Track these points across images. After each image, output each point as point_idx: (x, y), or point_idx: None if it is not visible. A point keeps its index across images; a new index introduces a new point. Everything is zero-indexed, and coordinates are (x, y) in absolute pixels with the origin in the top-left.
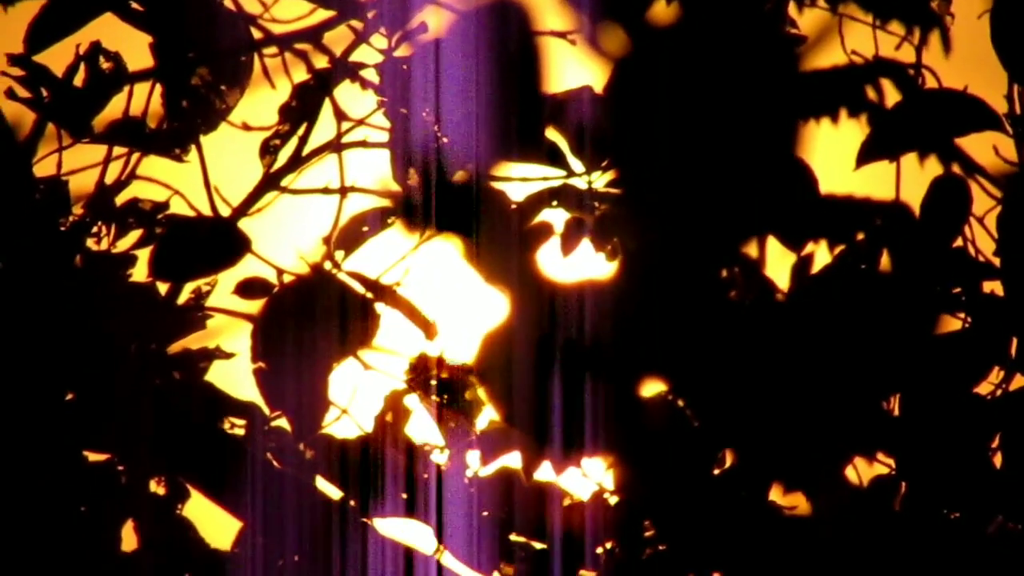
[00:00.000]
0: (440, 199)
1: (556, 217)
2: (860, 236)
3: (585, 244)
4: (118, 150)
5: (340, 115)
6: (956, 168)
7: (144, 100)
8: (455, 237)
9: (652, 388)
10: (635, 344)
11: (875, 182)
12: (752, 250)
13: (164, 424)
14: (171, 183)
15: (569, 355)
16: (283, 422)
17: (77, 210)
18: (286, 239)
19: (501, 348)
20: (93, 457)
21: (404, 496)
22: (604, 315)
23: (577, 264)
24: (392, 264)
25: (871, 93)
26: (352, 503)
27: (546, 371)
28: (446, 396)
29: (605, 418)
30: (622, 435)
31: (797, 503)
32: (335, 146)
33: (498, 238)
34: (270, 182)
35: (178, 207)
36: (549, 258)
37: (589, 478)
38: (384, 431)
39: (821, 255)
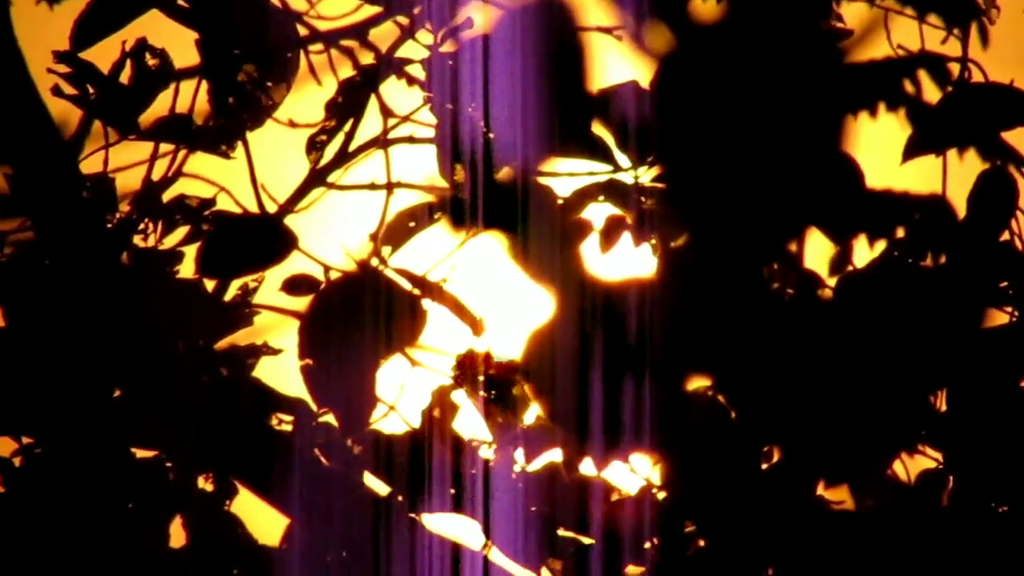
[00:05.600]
0: (486, 195)
1: (597, 214)
2: (901, 231)
3: (626, 240)
4: (165, 147)
5: (386, 111)
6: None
7: (190, 97)
8: (501, 233)
9: (696, 384)
10: (679, 340)
11: (920, 177)
12: (793, 245)
13: (212, 420)
14: (217, 180)
15: (613, 352)
16: (330, 418)
17: (124, 207)
18: (332, 236)
19: (546, 345)
20: (141, 454)
21: (452, 492)
22: (648, 311)
23: (621, 261)
24: (439, 260)
25: (911, 87)
26: (400, 499)
27: (590, 368)
28: (493, 392)
29: (649, 414)
30: (666, 431)
31: (843, 498)
32: (381, 142)
33: (543, 234)
34: (316, 178)
35: (225, 204)
36: (594, 255)
37: (637, 474)
38: (432, 427)
39: (860, 250)
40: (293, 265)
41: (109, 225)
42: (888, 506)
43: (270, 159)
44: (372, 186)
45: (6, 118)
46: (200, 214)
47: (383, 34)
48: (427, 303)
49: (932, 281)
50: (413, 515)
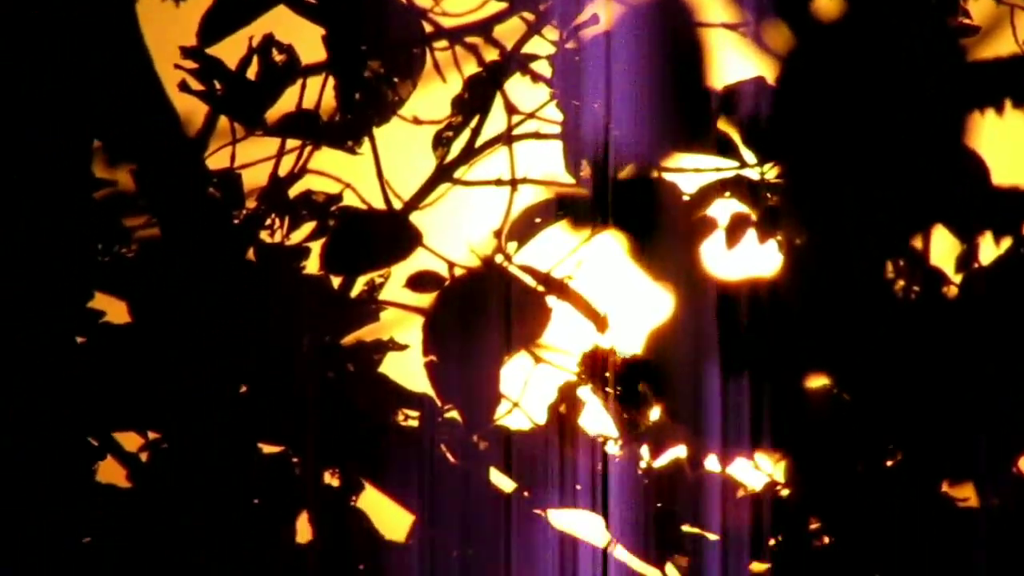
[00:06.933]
0: (612, 192)
1: (721, 211)
2: None
3: (750, 237)
4: (291, 143)
5: (511, 108)
6: None
7: (317, 93)
8: (625, 230)
9: (818, 382)
10: (801, 338)
11: None
12: (918, 242)
13: (337, 416)
14: (343, 176)
15: (735, 349)
16: (455, 414)
17: (250, 203)
18: (457, 232)
19: (668, 342)
20: (267, 449)
21: (576, 488)
22: (770, 309)
23: (743, 259)
24: (563, 257)
25: None
26: (524, 495)
27: (712, 365)
28: (618, 389)
29: (772, 412)
30: (788, 429)
31: (968, 496)
32: (506, 139)
33: (667, 231)
34: (442, 175)
35: (351, 200)
36: (716, 252)
37: (761, 471)
38: (557, 423)
39: (986, 247)
40: (418, 261)
41: (235, 221)
42: (1013, 504)
43: (396, 155)
44: (497, 182)
45: (133, 115)
46: (326, 210)
47: (508, 31)
48: (551, 300)
49: None
50: (538, 511)
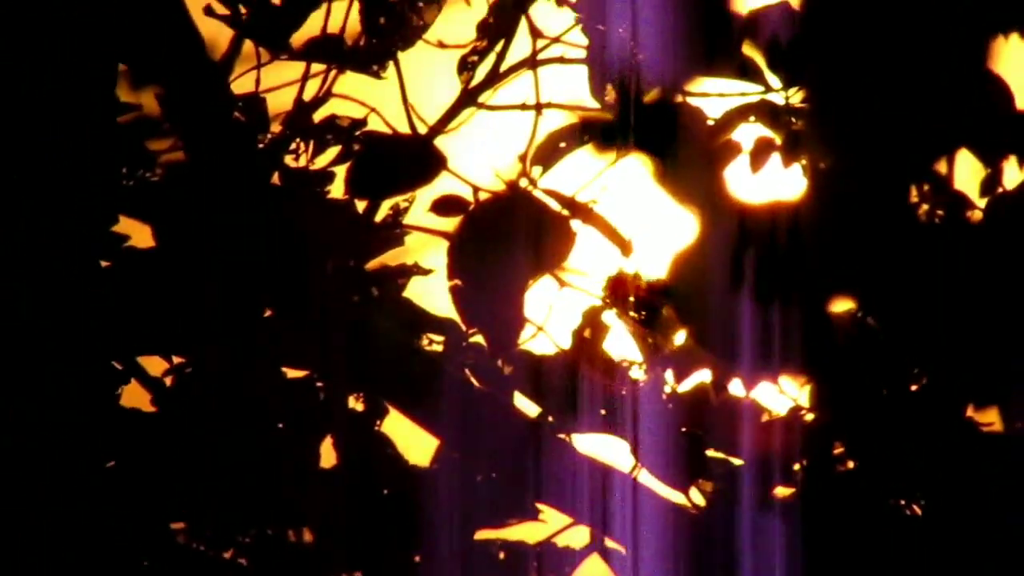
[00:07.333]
0: (637, 116)
1: (745, 135)
2: None
3: (775, 161)
4: (316, 67)
5: (536, 32)
6: None
7: (342, 17)
8: (650, 154)
9: (843, 306)
10: (826, 262)
11: None
12: (943, 166)
13: (362, 341)
14: (368, 100)
15: (760, 273)
16: (480, 339)
17: (275, 127)
18: (482, 156)
19: (694, 267)
20: (292, 373)
21: (601, 412)
22: (794, 233)
23: (768, 183)
24: (588, 181)
25: None
26: (549, 419)
27: (737, 290)
28: (643, 313)
29: (796, 336)
30: (813, 353)
31: (992, 420)
32: (531, 63)
33: (692, 155)
34: (467, 99)
35: (375, 124)
36: (742, 176)
37: (786, 395)
38: (582, 347)
39: (1011, 171)
40: (443, 186)
41: (260, 145)
42: None
43: (420, 80)
44: (522, 107)
45: (157, 39)
46: (351, 134)
47: None
48: (576, 224)
49: None
50: (563, 436)
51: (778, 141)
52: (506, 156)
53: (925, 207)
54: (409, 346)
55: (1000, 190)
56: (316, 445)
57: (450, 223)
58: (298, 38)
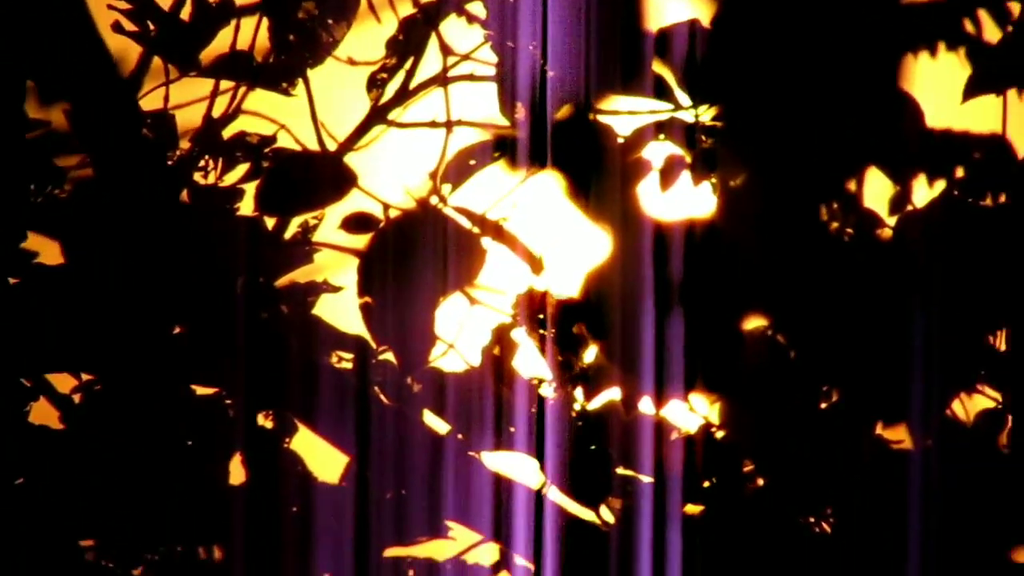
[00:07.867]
0: (548, 133)
1: (656, 153)
2: (961, 170)
3: (685, 179)
4: (225, 84)
5: (446, 49)
6: None
7: (251, 34)
8: (560, 172)
9: (754, 324)
10: (737, 280)
11: (980, 117)
12: (852, 184)
13: (271, 358)
14: (278, 117)
15: (671, 291)
16: (390, 356)
17: (184, 144)
18: (392, 174)
19: (604, 284)
20: (201, 391)
21: (511, 430)
22: (706, 251)
23: (679, 200)
24: (498, 199)
25: (971, 27)
26: (459, 437)
27: (648, 307)
28: (553, 331)
29: (707, 354)
30: (723, 371)
31: (902, 438)
32: (441, 80)
33: (602, 173)
34: (376, 116)
35: (285, 141)
36: (652, 194)
37: (695, 413)
38: (491, 365)
39: (920, 189)
40: (353, 203)
41: (169, 162)
42: (946, 446)
43: (330, 97)
44: (432, 124)
45: (65, 55)
46: (260, 151)
47: None
48: (486, 242)
49: (992, 221)
50: (472, 453)
51: (688, 159)
52: (416, 173)
53: (835, 224)
54: (318, 364)
55: (909, 207)
56: (225, 462)
57: (360, 240)
58: (207, 55)
